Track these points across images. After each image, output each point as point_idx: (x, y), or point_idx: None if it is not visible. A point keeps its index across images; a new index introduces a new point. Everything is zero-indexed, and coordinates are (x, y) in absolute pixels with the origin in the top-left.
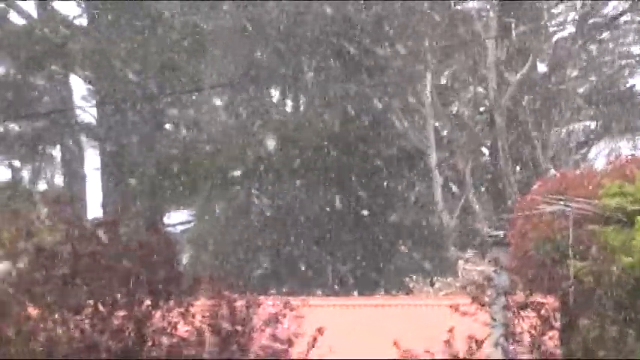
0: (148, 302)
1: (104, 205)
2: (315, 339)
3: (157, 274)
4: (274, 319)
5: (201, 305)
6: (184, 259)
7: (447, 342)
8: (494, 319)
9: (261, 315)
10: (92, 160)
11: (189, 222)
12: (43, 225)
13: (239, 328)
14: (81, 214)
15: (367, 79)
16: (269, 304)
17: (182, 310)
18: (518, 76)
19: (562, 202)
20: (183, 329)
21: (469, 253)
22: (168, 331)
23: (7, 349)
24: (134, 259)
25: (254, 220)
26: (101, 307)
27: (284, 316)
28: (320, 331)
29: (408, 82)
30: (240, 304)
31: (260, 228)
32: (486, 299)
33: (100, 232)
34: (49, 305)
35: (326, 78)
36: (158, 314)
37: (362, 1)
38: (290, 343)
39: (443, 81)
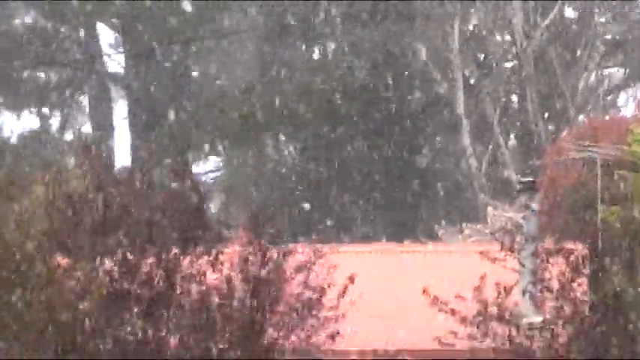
0: (176, 250)
1: (132, 154)
2: (346, 287)
3: (186, 222)
4: (305, 267)
5: (231, 253)
6: (214, 207)
7: (477, 288)
8: (523, 266)
9: (292, 263)
10: (120, 110)
11: (218, 170)
12: (72, 173)
13: (270, 276)
14: (109, 163)
15: (395, 25)
16: (299, 252)
17: (211, 257)
18: (547, 21)
19: (591, 149)
20: (212, 277)
21: (498, 201)
22: (197, 279)
23: (38, 296)
24: (163, 206)
25: (283, 167)
26: (129, 255)
27: (314, 264)
28: (351, 279)
29: (435, 29)
30: (271, 251)
31: (289, 176)
32: (515, 246)
33: (129, 180)
34: (78, 254)
35: (353, 25)
36: (186, 262)
37: None
38: (322, 291)
39: (471, 27)
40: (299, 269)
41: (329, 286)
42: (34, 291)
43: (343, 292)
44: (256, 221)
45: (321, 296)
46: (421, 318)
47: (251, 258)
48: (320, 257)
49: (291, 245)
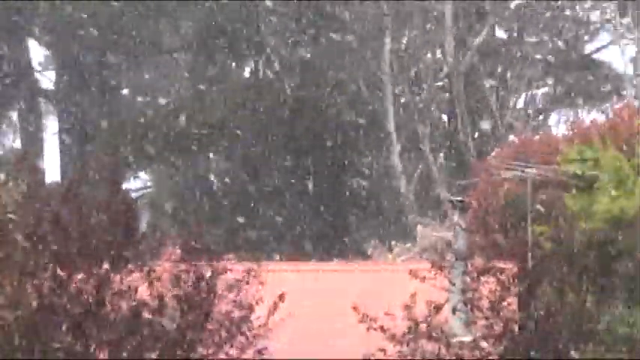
0: (107, 266)
1: (62, 170)
2: (275, 304)
3: (117, 237)
4: (237, 285)
5: (162, 269)
6: (143, 223)
7: (407, 306)
8: (453, 284)
9: (223, 281)
10: (51, 126)
11: (147, 187)
12: (2, 187)
13: (202, 294)
14: (39, 178)
15: (326, 42)
16: (230, 269)
17: (143, 273)
18: (477, 41)
19: (521, 168)
20: (145, 294)
21: (428, 219)
22: (128, 295)
23: None
24: (95, 221)
25: (211, 185)
26: (59, 271)
27: (246, 282)
28: (281, 297)
29: (366, 47)
30: (203, 269)
31: (217, 193)
32: (445, 264)
33: (61, 194)
34: (8, 267)
35: (284, 42)
36: (118, 278)
37: None
38: (250, 307)
39: (402, 46)
40: (230, 288)
41: (257, 303)
42: None
43: (273, 310)
44: (188, 238)
45: (250, 313)
46: (351, 336)
47: (183, 275)
48: (252, 276)
49: (222, 262)
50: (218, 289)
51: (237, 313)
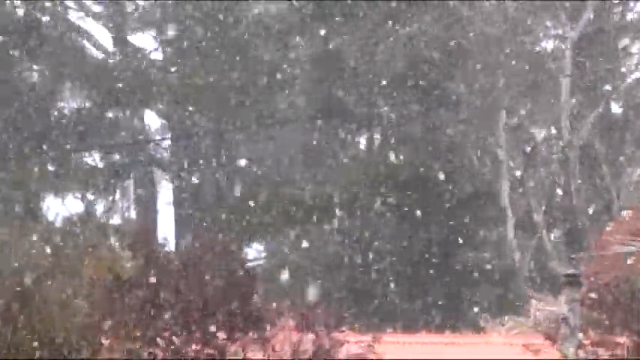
0: (223, 335)
1: (177, 240)
2: None
3: (237, 307)
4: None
5: (279, 339)
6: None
7: None
8: (567, 357)
9: (343, 353)
10: (165, 195)
11: (260, 258)
12: (119, 255)
13: None
14: (156, 247)
15: (441, 118)
16: (351, 342)
17: (260, 344)
18: (593, 115)
19: (636, 242)
20: None
21: (542, 293)
22: None
23: None
24: (214, 290)
25: (325, 256)
26: (175, 339)
27: (365, 357)
28: None
29: (481, 121)
30: (323, 340)
31: (331, 264)
32: (559, 339)
33: (179, 264)
34: (123, 334)
35: (400, 115)
36: (233, 348)
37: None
38: None
39: (517, 120)
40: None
41: None
42: None
43: None
44: (309, 309)
45: None
46: None
47: (302, 347)
48: (372, 350)
49: (340, 334)
50: None
51: None
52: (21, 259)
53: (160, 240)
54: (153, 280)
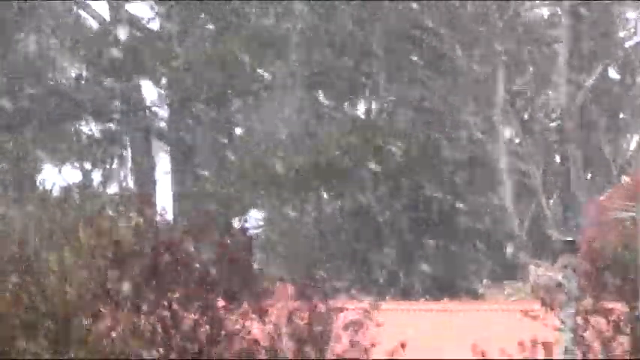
0: (222, 304)
1: (174, 210)
2: (394, 352)
3: (234, 276)
4: (355, 326)
5: (276, 307)
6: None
7: (521, 344)
8: (564, 324)
9: (338, 320)
10: (163, 164)
11: (259, 227)
12: (117, 223)
13: (318, 333)
14: (154, 216)
15: (438, 81)
16: (349, 309)
17: (257, 313)
18: (590, 82)
19: (635, 208)
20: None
21: (539, 260)
22: (242, 334)
23: (80, 348)
24: (211, 260)
25: (324, 223)
26: (175, 307)
27: (363, 325)
28: (403, 346)
29: (479, 87)
30: (319, 308)
31: (330, 232)
32: (556, 304)
33: (177, 233)
34: (122, 303)
35: (397, 81)
36: (232, 316)
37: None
38: (367, 351)
39: (514, 87)
40: (347, 327)
41: (374, 345)
42: (76, 343)
43: (392, 356)
44: (306, 276)
45: (367, 356)
46: None
47: (298, 314)
48: (370, 318)
49: (338, 302)
50: (334, 329)
51: (353, 354)
52: (19, 229)
53: (159, 210)
54: (153, 249)
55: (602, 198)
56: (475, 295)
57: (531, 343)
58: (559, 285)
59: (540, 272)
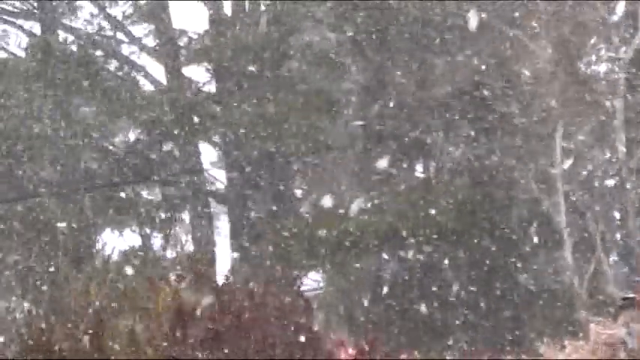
0: None
1: (233, 272)
2: None
3: (296, 338)
4: None
5: None
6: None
7: None
8: None
9: None
10: (222, 227)
11: (317, 289)
12: (178, 288)
13: None
14: (214, 280)
15: (496, 142)
16: None
17: None
18: None
19: None
20: None
21: (600, 318)
22: None
23: None
24: (273, 322)
25: (383, 285)
26: None
27: None
28: None
29: (537, 145)
30: None
31: (389, 293)
32: None
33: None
34: None
35: (454, 141)
36: None
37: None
38: None
39: (571, 144)
40: None
41: None
42: None
43: None
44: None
45: None
46: None
47: None
48: None
49: None
50: None
51: None
52: (83, 298)
53: (221, 273)
54: (215, 314)
55: None
56: (536, 354)
57: None
58: (622, 342)
59: (600, 330)
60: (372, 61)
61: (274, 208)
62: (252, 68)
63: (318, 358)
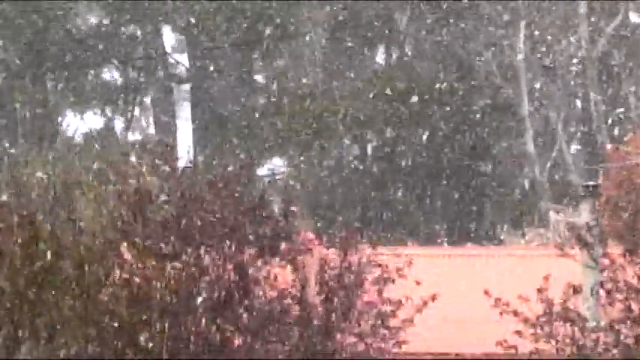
0: (250, 252)
1: (195, 157)
2: (425, 303)
3: (264, 226)
4: (384, 279)
5: (305, 257)
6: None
7: (541, 289)
8: (592, 265)
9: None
10: (183, 111)
11: (281, 173)
12: (140, 171)
13: (348, 282)
14: (175, 163)
15: (460, 29)
16: (378, 260)
17: (286, 261)
18: (611, 27)
19: None
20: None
21: (560, 205)
22: (270, 282)
23: (101, 293)
24: (238, 207)
25: (346, 170)
26: (202, 254)
27: (390, 279)
28: (433, 298)
29: (500, 32)
30: (350, 257)
31: (352, 178)
32: (581, 248)
33: (203, 179)
34: (145, 250)
35: (417, 29)
36: (260, 264)
37: None
38: (398, 304)
39: (536, 32)
40: (377, 281)
41: (406, 301)
42: (100, 286)
43: (422, 307)
44: (340, 227)
45: (396, 309)
46: (486, 321)
47: (329, 263)
48: (397, 271)
49: (366, 249)
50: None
51: (381, 306)
52: (44, 177)
53: (183, 156)
54: (178, 196)
55: (623, 143)
56: (497, 241)
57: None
58: (589, 228)
59: (560, 218)
60: None
61: (239, 91)
62: None
63: (278, 238)
